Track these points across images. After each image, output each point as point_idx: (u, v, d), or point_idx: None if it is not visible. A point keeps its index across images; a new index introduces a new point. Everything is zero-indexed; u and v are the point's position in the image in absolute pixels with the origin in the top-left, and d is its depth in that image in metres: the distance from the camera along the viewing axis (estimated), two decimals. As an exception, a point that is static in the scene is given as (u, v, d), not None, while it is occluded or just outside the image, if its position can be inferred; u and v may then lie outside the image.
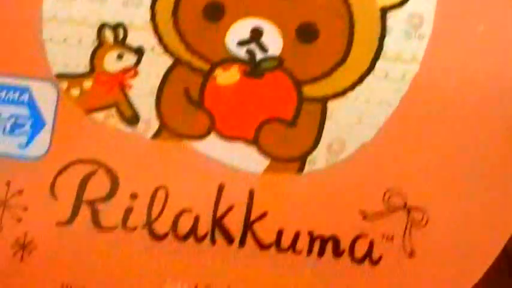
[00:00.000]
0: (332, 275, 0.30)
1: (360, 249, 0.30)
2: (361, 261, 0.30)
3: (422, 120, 0.30)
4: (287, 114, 0.30)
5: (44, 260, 0.30)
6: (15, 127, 0.30)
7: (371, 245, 0.30)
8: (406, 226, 0.30)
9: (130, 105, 0.30)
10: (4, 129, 0.30)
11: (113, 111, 0.30)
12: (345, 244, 0.30)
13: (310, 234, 0.30)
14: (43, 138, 0.30)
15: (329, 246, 0.30)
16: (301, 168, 0.30)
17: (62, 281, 0.30)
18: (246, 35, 0.31)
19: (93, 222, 0.30)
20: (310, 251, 0.30)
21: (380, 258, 0.30)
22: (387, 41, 0.31)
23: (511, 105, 0.30)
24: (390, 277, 0.30)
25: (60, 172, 0.30)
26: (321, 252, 0.30)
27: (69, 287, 0.30)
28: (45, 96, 0.30)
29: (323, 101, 0.30)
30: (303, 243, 0.30)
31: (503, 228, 0.30)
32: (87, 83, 0.31)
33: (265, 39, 0.31)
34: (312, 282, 0.30)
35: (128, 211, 0.30)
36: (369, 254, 0.30)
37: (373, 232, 0.30)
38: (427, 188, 0.30)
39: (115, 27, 0.31)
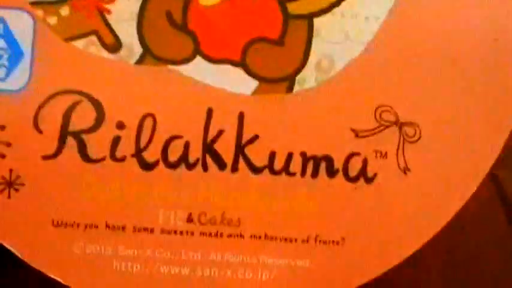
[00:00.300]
0: (327, 195, 0.29)
1: (354, 168, 0.29)
2: (355, 179, 0.30)
3: (411, 34, 0.29)
4: (273, 33, 0.29)
5: (33, 196, 0.29)
6: (-8, 60, 0.29)
7: (365, 162, 0.29)
8: (399, 142, 0.29)
9: (111, 31, 0.29)
10: (-20, 63, 0.29)
11: (94, 38, 0.29)
12: (338, 163, 0.29)
13: (303, 155, 0.29)
14: (22, 70, 0.29)
15: (323, 166, 0.29)
16: (290, 88, 0.29)
17: (53, 217, 0.29)
18: (226, -45, 0.30)
19: (80, 154, 0.29)
20: (304, 172, 0.29)
21: (375, 175, 0.30)
22: (371, -46, 0.30)
23: (500, 18, 0.30)
24: (386, 194, 0.30)
25: (42, 104, 0.29)
26: (315, 173, 0.29)
27: (60, 222, 0.29)
28: (21, 26, 0.29)
29: (309, 18, 0.30)
30: (296, 164, 0.29)
31: (494, 143, 0.30)
32: (64, 10, 0.29)
33: (246, -41, 0.30)
34: (307, 203, 0.29)
35: (116, 141, 0.29)
36: (363, 171, 0.29)
37: (366, 149, 0.29)
38: (418, 103, 0.30)
39: (89, -49, 0.29)
